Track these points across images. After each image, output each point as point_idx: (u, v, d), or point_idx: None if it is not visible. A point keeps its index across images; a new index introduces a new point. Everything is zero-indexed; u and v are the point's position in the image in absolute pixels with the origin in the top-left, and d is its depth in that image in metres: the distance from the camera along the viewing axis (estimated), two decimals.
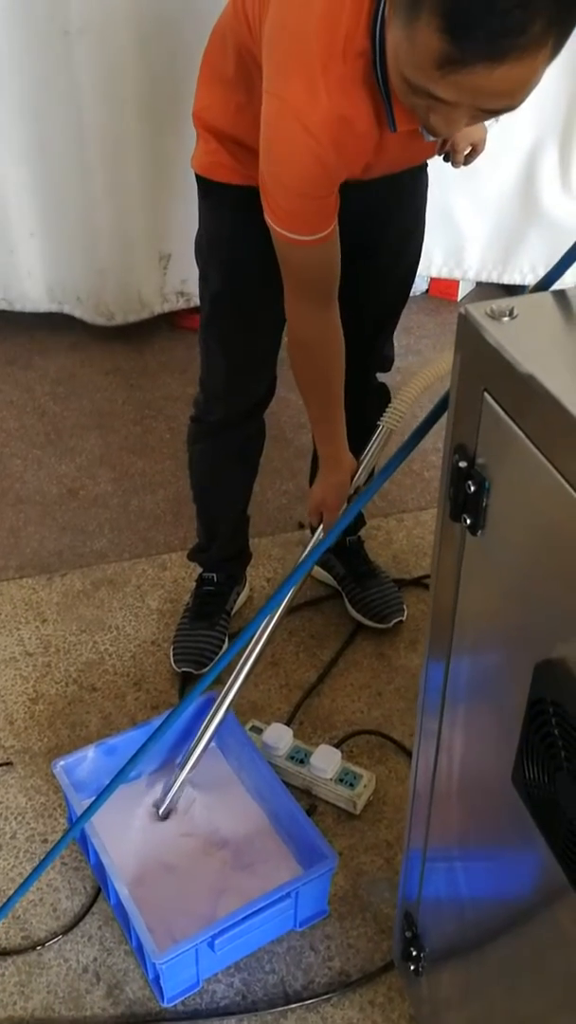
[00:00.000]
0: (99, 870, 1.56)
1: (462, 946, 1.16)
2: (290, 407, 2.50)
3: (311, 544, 1.64)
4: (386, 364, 1.89)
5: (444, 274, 3.03)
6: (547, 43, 1.02)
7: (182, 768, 1.63)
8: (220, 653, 1.93)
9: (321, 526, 1.65)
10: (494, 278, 3.01)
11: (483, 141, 1.79)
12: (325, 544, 1.36)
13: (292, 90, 1.26)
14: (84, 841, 1.59)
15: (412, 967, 1.29)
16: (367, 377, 1.88)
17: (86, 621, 2.06)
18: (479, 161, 1.77)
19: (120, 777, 1.52)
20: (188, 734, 1.67)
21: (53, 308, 2.98)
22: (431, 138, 1.29)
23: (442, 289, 3.15)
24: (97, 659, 1.98)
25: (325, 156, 1.28)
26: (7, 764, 1.78)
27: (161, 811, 1.64)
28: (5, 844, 1.66)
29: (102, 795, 1.50)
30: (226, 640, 1.97)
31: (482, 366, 0.78)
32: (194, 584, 2.04)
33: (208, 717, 1.64)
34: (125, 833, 1.62)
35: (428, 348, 2.93)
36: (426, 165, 1.67)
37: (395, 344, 1.89)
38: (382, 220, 1.64)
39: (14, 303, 2.96)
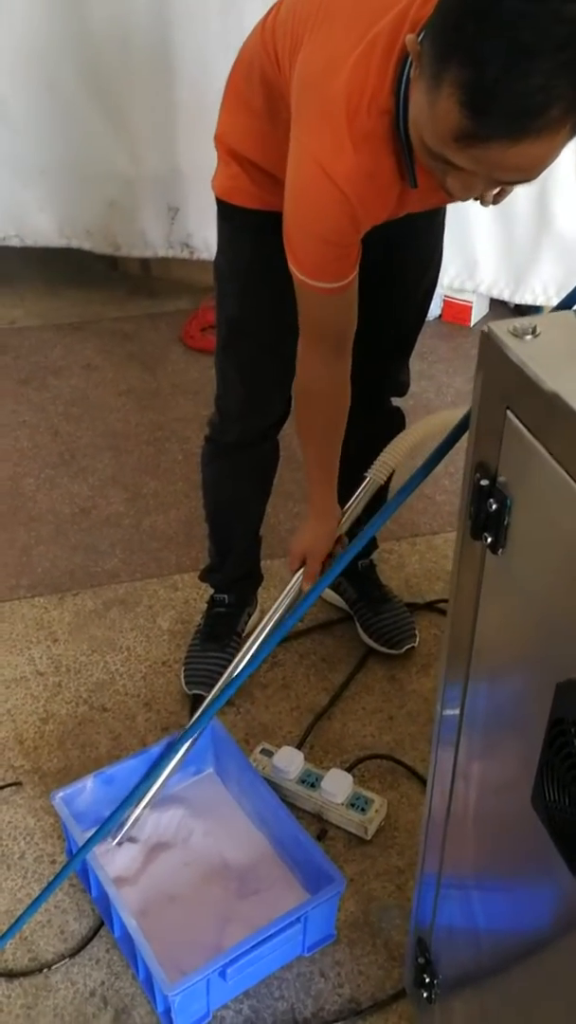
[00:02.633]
0: (102, 902, 1.54)
1: (477, 974, 1.14)
2: None
3: (289, 589, 1.62)
4: (401, 389, 1.89)
5: (456, 286, 3.05)
6: (566, 125, 1.04)
7: (142, 798, 1.58)
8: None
9: (301, 572, 1.63)
10: (506, 296, 3.02)
11: None
12: (310, 598, 1.36)
13: (318, 141, 1.27)
14: (85, 873, 1.57)
15: (425, 994, 1.27)
16: (381, 401, 1.89)
17: (97, 641, 2.06)
18: None
19: (120, 810, 1.51)
20: (188, 762, 1.66)
21: (62, 243, 3.13)
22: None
23: (455, 314, 3.16)
24: (108, 679, 1.97)
25: (349, 206, 1.29)
26: (16, 784, 1.77)
27: (116, 840, 1.59)
28: (13, 864, 1.65)
29: (102, 828, 1.49)
30: None
31: (505, 384, 0.78)
32: (205, 605, 2.03)
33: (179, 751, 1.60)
34: (126, 863, 1.60)
35: (441, 373, 2.94)
36: None
37: (409, 369, 1.89)
38: (400, 249, 1.65)
39: (26, 238, 3.12)
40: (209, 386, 1.83)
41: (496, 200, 1.73)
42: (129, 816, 1.59)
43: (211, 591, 2.02)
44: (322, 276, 1.37)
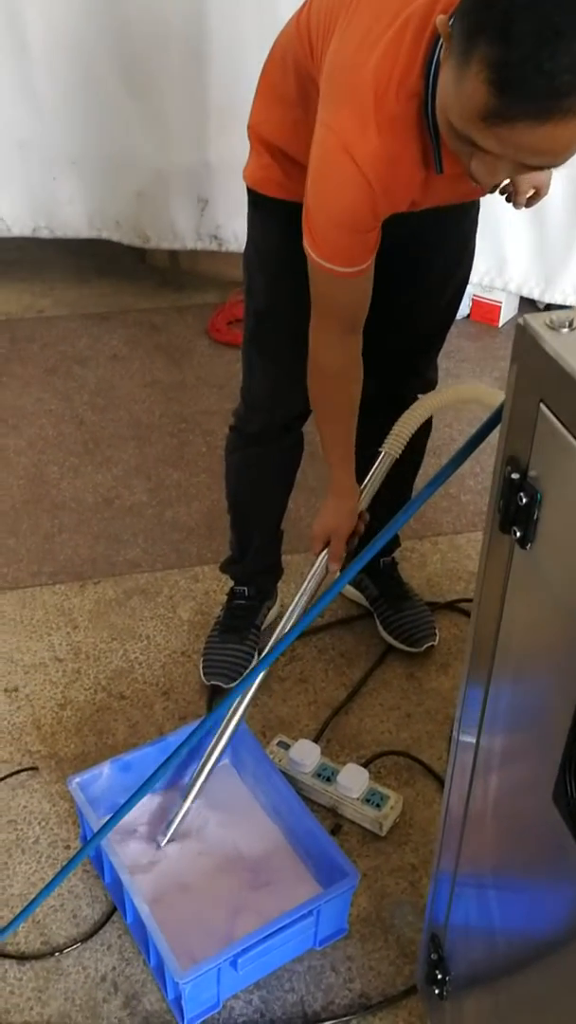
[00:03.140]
0: (115, 888, 1.55)
1: (490, 972, 1.14)
2: None
3: (315, 570, 1.64)
4: (428, 385, 1.88)
5: (486, 283, 3.03)
6: None
7: (184, 799, 1.60)
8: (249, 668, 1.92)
9: (326, 552, 1.64)
10: (535, 294, 3.01)
11: (547, 185, 1.78)
12: (351, 572, 1.37)
13: (344, 123, 1.27)
14: (99, 859, 1.58)
15: (437, 990, 1.26)
16: (409, 398, 1.88)
17: (117, 629, 2.07)
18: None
19: (135, 798, 1.52)
20: (204, 753, 1.66)
21: (92, 235, 3.14)
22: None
23: (484, 314, 3.15)
24: (127, 667, 1.98)
25: (370, 191, 1.29)
26: (33, 769, 1.78)
27: (163, 844, 1.60)
28: (28, 849, 1.65)
29: (117, 814, 1.49)
30: (256, 655, 1.96)
31: (539, 377, 0.77)
32: (225, 597, 2.03)
33: (207, 753, 1.62)
34: (140, 851, 1.61)
35: (468, 373, 2.93)
36: None
37: (437, 366, 1.89)
38: (430, 246, 1.64)
39: (56, 230, 3.13)
40: (234, 380, 1.83)
41: (529, 203, 1.72)
42: (176, 817, 1.60)
43: (231, 584, 2.02)
44: (338, 260, 1.37)
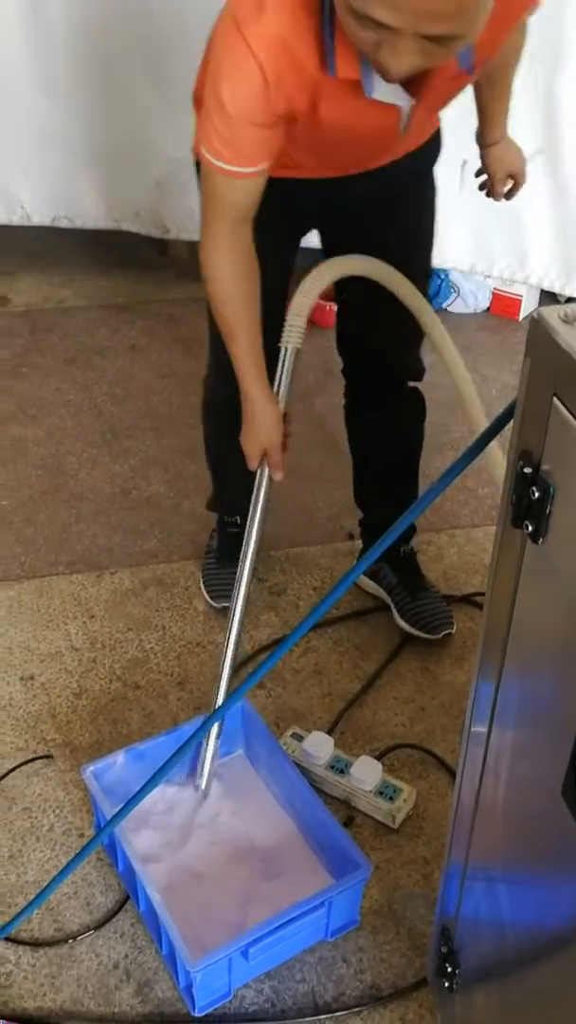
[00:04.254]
0: (128, 876, 1.55)
1: (500, 966, 1.14)
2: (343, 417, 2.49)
3: (259, 486, 1.62)
4: (416, 374, 1.89)
5: (506, 276, 3.01)
6: None
7: (207, 742, 1.63)
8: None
9: (267, 468, 1.61)
10: (556, 288, 2.99)
11: (522, 173, 1.76)
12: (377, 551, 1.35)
13: (241, 5, 1.26)
14: (112, 847, 1.59)
15: (446, 983, 1.27)
16: (401, 384, 1.89)
17: (133, 619, 2.07)
18: (550, 165, 1.77)
19: (149, 786, 1.52)
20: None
21: (111, 225, 3.15)
22: (375, 93, 1.25)
23: (504, 307, 3.14)
24: (142, 657, 1.99)
25: (262, 75, 1.26)
26: (48, 757, 1.79)
27: (202, 787, 1.63)
28: (43, 836, 1.67)
29: (130, 803, 1.50)
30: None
31: (553, 370, 0.77)
32: (215, 528, 2.06)
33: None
34: (153, 840, 1.62)
35: (487, 366, 2.91)
36: (430, 171, 1.65)
37: (420, 356, 1.88)
38: (383, 227, 1.63)
39: (75, 220, 3.14)
40: None
41: (508, 196, 1.71)
42: (204, 758, 1.63)
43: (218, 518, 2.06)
44: (231, 159, 1.34)
